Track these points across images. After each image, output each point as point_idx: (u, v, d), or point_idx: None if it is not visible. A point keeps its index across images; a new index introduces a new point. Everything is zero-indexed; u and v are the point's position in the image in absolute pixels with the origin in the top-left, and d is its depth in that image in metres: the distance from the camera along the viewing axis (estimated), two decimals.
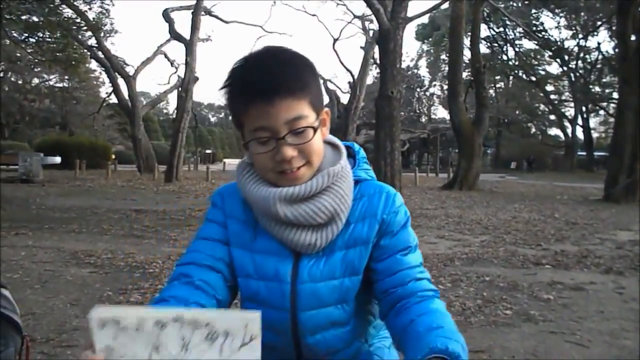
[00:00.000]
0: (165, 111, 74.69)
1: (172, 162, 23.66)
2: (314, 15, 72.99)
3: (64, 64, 24.28)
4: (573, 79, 50.62)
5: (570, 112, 54.64)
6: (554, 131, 62.71)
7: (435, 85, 62.51)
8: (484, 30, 43.82)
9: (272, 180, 1.27)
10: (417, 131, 46.10)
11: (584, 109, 51.93)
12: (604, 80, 50.40)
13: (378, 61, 15.32)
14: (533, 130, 63.48)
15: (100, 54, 28.26)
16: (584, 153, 53.22)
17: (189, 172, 33.72)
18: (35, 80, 42.09)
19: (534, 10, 47.50)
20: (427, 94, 63.46)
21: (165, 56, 31.60)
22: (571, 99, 52.97)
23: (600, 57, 48.42)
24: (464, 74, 27.15)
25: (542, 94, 52.93)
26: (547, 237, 9.52)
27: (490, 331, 4.32)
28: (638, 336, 4.22)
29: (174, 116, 27.85)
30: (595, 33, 47.61)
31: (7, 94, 37.11)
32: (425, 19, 53.20)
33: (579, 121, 53.11)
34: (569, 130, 54.29)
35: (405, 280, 1.29)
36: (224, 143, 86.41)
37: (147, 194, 16.83)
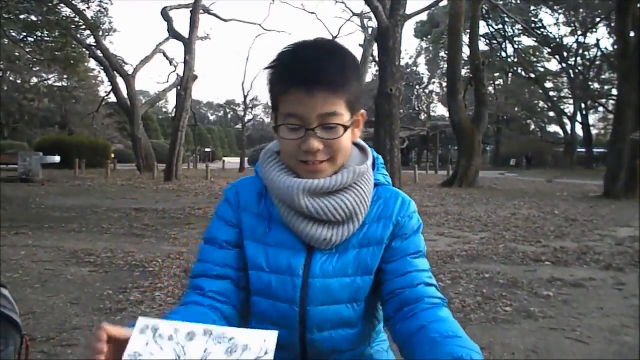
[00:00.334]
0: (164, 110, 74.72)
1: (172, 161, 23.64)
2: (312, 13, 72.83)
3: (63, 63, 24.31)
4: (572, 76, 50.56)
5: (569, 109, 54.63)
6: (553, 128, 62.68)
7: (434, 82, 62.53)
8: (483, 28, 43.81)
9: (293, 167, 1.29)
10: (417, 129, 46.12)
11: (583, 105, 51.91)
12: (603, 77, 50.34)
13: (377, 59, 15.31)
14: (532, 127, 63.48)
15: (99, 53, 28.24)
16: (584, 150, 53.20)
17: (188, 170, 33.72)
18: (35, 80, 42.06)
19: (533, 7, 47.44)
20: (427, 91, 63.47)
21: (164, 55, 31.61)
22: (570, 96, 52.93)
23: (599, 54, 48.39)
24: (463, 72, 27.18)
25: (541, 91, 52.89)
26: (547, 234, 9.53)
27: (490, 328, 4.33)
28: (638, 332, 4.22)
29: (174, 115, 27.81)
30: (595, 30, 47.60)
31: (6, 93, 37.09)
32: (424, 17, 53.23)
33: (579, 118, 53.09)
34: (569, 127, 54.24)
35: (414, 283, 1.29)
36: (223, 142, 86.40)
37: (147, 193, 16.83)
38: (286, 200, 1.27)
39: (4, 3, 18.44)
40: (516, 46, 51.58)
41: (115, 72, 29.03)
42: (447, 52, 29.03)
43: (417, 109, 62.46)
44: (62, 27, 21.44)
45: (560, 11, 47.52)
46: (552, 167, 49.10)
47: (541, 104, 57.46)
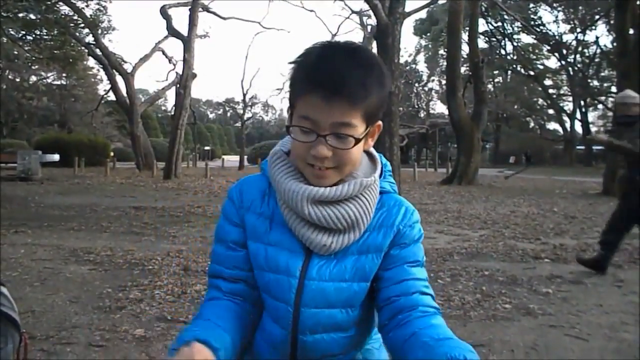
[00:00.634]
0: (163, 108, 74.59)
1: (171, 159, 23.63)
2: (311, 11, 72.94)
3: (61, 61, 24.31)
4: (571, 73, 50.53)
5: (568, 106, 54.59)
6: (552, 125, 62.62)
7: (433, 80, 62.43)
8: (482, 25, 43.81)
9: (300, 168, 1.29)
10: (416, 126, 46.05)
11: (582, 103, 51.89)
12: (602, 74, 50.32)
13: None
14: (532, 124, 63.44)
15: (98, 51, 28.17)
16: (583, 147, 53.20)
17: (187, 168, 33.73)
18: (33, 78, 42.01)
19: (532, 5, 47.42)
20: (426, 89, 63.37)
21: (163, 53, 31.54)
22: (570, 94, 52.90)
23: (598, 51, 48.36)
24: (463, 69, 27.15)
25: (540, 89, 52.84)
26: (546, 231, 9.54)
27: (489, 325, 4.33)
28: (637, 329, 4.23)
29: (173, 113, 27.80)
30: (594, 27, 47.53)
31: (5, 92, 37.05)
32: (423, 14, 53.10)
33: (578, 115, 53.09)
34: (568, 125, 54.25)
35: (410, 291, 1.29)
36: (222, 140, 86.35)
37: (146, 191, 16.83)
38: (290, 204, 1.27)
39: (3, 1, 18.43)
40: (515, 44, 51.58)
41: (114, 71, 28.98)
42: (446, 50, 29.01)
43: (416, 106, 62.40)
44: (61, 26, 21.43)
45: (559, 8, 47.52)
46: (552, 165, 49.11)
47: (540, 101, 57.41)
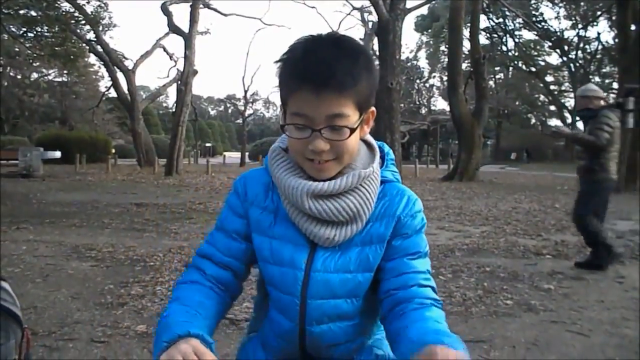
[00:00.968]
0: (164, 105, 74.62)
1: (172, 156, 23.65)
2: (312, 7, 72.84)
3: (62, 58, 24.22)
4: (573, 69, 50.54)
5: (570, 102, 54.58)
6: (553, 122, 62.63)
7: (434, 76, 62.46)
8: (484, 21, 43.73)
9: (300, 163, 1.30)
10: (417, 123, 46.03)
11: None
12: (603, 70, 50.34)
13: (377, 53, 15.28)
14: (533, 121, 63.46)
15: (99, 48, 28.19)
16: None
17: (189, 165, 33.75)
18: (34, 75, 42.05)
19: (533, 1, 47.37)
20: (427, 85, 63.38)
21: (164, 50, 31.55)
22: (571, 90, 52.88)
23: (600, 47, 48.37)
24: (464, 65, 27.14)
25: (541, 85, 52.88)
26: (548, 227, 9.54)
27: (491, 321, 4.33)
28: (638, 325, 4.23)
29: (174, 110, 27.82)
30: (595, 23, 47.56)
31: (6, 89, 37.09)
32: (424, 10, 53.14)
33: None
34: (569, 121, 54.22)
35: (408, 284, 1.30)
36: (223, 136, 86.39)
37: (148, 188, 16.83)
38: (291, 200, 1.29)
39: None
40: (517, 40, 51.56)
41: (115, 67, 28.99)
42: (447, 46, 28.98)
43: (418, 102, 62.38)
44: (62, 22, 21.37)
45: (560, 4, 47.45)
46: (553, 161, 49.09)
47: (542, 97, 57.45)
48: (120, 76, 29.47)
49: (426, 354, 1.05)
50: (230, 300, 1.38)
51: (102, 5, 26.66)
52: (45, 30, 23.00)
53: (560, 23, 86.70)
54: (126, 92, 29.53)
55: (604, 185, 6.23)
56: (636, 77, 16.83)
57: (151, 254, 6.59)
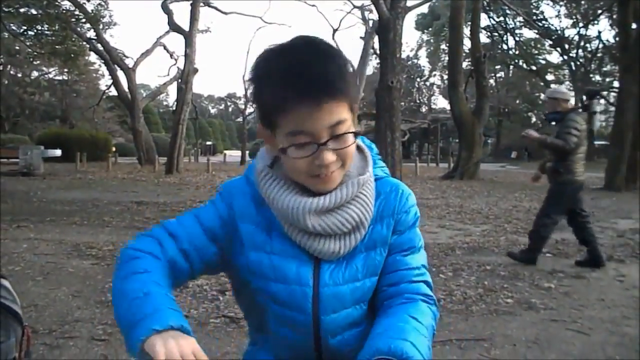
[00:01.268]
0: (165, 103, 74.62)
1: (173, 154, 23.63)
2: (313, 5, 72.74)
3: (63, 56, 24.26)
4: (573, 68, 50.45)
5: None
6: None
7: (435, 75, 62.37)
8: (484, 20, 43.67)
9: (304, 183, 1.22)
10: (418, 121, 45.98)
11: (584, 97, 51.85)
12: (604, 69, 50.24)
13: (378, 51, 15.27)
14: (533, 119, 63.37)
15: (99, 46, 28.17)
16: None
17: (189, 164, 33.71)
18: (35, 73, 42.05)
19: None
20: (427, 84, 63.31)
21: (165, 48, 31.55)
22: (572, 88, 52.82)
23: (600, 45, 48.30)
24: (464, 64, 27.11)
25: (542, 83, 52.74)
26: None
27: (491, 319, 4.34)
28: (639, 323, 4.23)
29: (174, 108, 27.83)
30: (596, 22, 47.49)
31: (6, 87, 37.07)
32: (425, 9, 53.07)
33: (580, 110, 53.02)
34: None
35: (399, 281, 1.29)
36: (224, 135, 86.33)
37: (148, 186, 16.83)
38: (291, 220, 1.22)
39: None
40: (517, 38, 51.47)
41: (115, 66, 28.98)
42: (448, 45, 28.96)
43: (418, 101, 62.35)
44: (62, 21, 21.39)
45: (561, 3, 47.37)
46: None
47: (542, 96, 57.28)
48: (120, 74, 29.47)
49: None
50: (171, 290, 1.23)
51: (103, 3, 26.73)
52: (46, 29, 23.02)
53: (561, 21, 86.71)
54: (126, 90, 29.53)
55: (570, 187, 6.35)
56: (637, 75, 16.85)
57: None
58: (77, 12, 23.48)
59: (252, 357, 1.40)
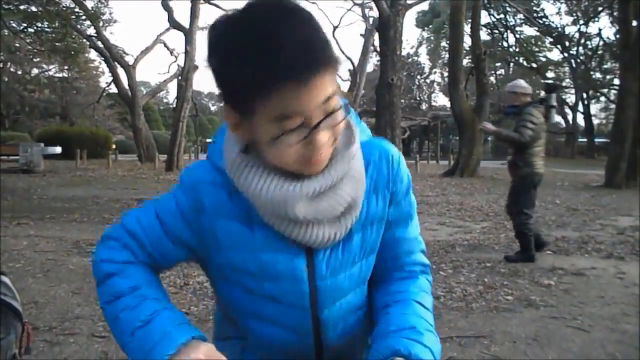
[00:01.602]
0: (165, 100, 74.52)
1: (173, 151, 23.63)
2: (313, 2, 72.63)
3: (63, 54, 24.21)
4: (574, 65, 50.44)
5: (571, 98, 54.50)
6: (555, 119, 62.61)
7: (435, 72, 62.31)
8: (485, 17, 43.58)
9: (292, 169, 1.03)
10: (418, 118, 46.01)
11: (584, 95, 51.81)
12: (605, 66, 50.17)
13: (378, 48, 15.26)
14: None
15: (99, 43, 28.16)
16: (585, 140, 53.16)
17: (189, 161, 33.68)
18: (35, 71, 41.96)
19: None
20: (428, 81, 63.27)
21: (165, 45, 31.53)
22: (572, 86, 52.81)
23: (601, 43, 48.24)
24: (465, 61, 27.04)
25: (543, 81, 52.73)
26: (548, 223, 9.53)
27: (491, 317, 4.34)
28: (639, 321, 4.23)
29: (174, 105, 27.80)
30: (597, 19, 47.47)
31: (6, 84, 37.02)
32: (425, 6, 52.94)
33: (580, 108, 53.04)
34: (570, 117, 54.24)
35: (399, 255, 1.23)
36: None
37: (148, 183, 16.83)
38: (278, 213, 1.06)
39: None
40: (518, 36, 51.36)
41: (115, 63, 28.96)
42: (448, 42, 28.93)
43: (418, 98, 62.31)
44: (62, 18, 21.34)
45: (561, 0, 47.36)
46: (553, 157, 49.06)
47: (542, 93, 57.34)
48: (120, 72, 29.46)
49: None
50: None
51: (103, 0, 26.69)
52: (46, 26, 22.97)
53: (561, 19, 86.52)
54: (127, 87, 29.51)
55: (529, 179, 6.40)
56: (638, 72, 16.82)
57: None
58: (77, 10, 23.46)
59: (237, 357, 1.24)
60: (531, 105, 6.48)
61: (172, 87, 37.46)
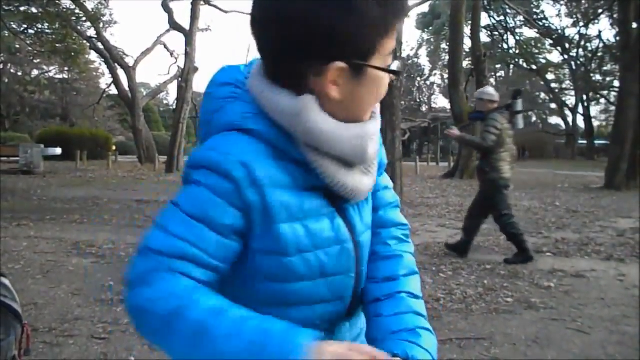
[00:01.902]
0: (165, 102, 74.47)
1: (173, 153, 23.64)
2: None
3: (63, 55, 24.27)
4: (574, 67, 50.46)
5: (571, 100, 54.55)
6: (554, 120, 62.61)
7: (435, 74, 62.35)
8: (485, 19, 43.67)
9: (365, 114, 1.07)
10: (418, 120, 45.97)
11: (584, 97, 51.82)
12: (605, 68, 50.19)
13: None
14: (534, 119, 63.40)
15: (99, 44, 28.19)
16: (585, 141, 53.18)
17: None
18: (35, 72, 42.03)
19: None
20: (428, 83, 63.27)
21: (165, 47, 31.51)
22: (572, 88, 52.85)
23: (601, 45, 48.30)
24: (465, 63, 27.07)
25: (542, 83, 52.76)
26: (548, 225, 9.53)
27: (491, 319, 4.33)
28: (639, 322, 4.23)
29: (175, 107, 27.82)
30: (597, 21, 47.53)
31: (7, 85, 37.04)
32: (425, 8, 53.04)
33: (580, 110, 53.05)
34: (570, 119, 54.26)
35: (378, 223, 1.22)
36: None
37: (148, 185, 16.83)
38: (354, 153, 1.03)
39: None
40: (518, 37, 51.47)
41: (116, 64, 28.99)
42: (448, 44, 28.96)
43: (418, 100, 62.32)
44: (63, 19, 21.39)
45: (562, 2, 47.38)
46: (554, 158, 49.07)
47: (543, 95, 57.41)
48: (121, 73, 29.49)
49: None
50: None
51: (103, 2, 26.77)
52: (46, 27, 23.04)
53: (561, 21, 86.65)
54: (127, 89, 29.53)
55: (496, 184, 6.50)
56: (638, 73, 16.83)
57: None
58: (77, 11, 23.50)
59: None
60: (496, 111, 6.65)
61: (172, 88, 37.33)
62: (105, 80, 46.90)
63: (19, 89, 39.28)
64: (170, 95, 71.13)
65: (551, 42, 50.57)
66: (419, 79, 61.26)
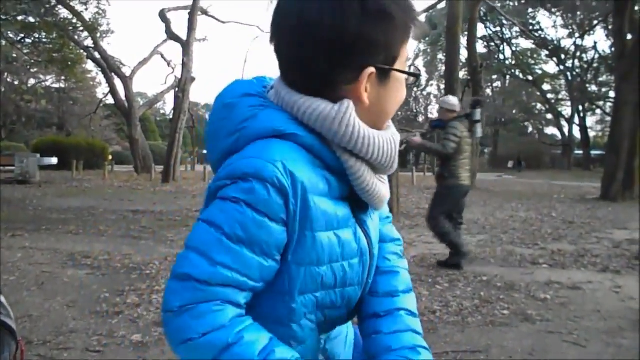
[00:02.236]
0: (162, 111, 74.58)
1: (170, 163, 23.63)
2: None
3: (60, 64, 24.27)
4: (570, 78, 50.73)
5: (567, 111, 54.85)
6: (551, 130, 62.88)
7: (432, 84, 62.56)
8: (481, 30, 43.98)
9: (383, 123, 1.07)
10: (414, 130, 46.09)
11: (580, 107, 52.07)
12: (600, 79, 50.50)
13: None
14: (530, 129, 63.64)
15: (96, 54, 28.24)
16: (581, 152, 53.36)
17: (186, 172, 33.67)
18: (32, 81, 42.10)
19: (530, 10, 47.63)
20: (424, 93, 63.49)
21: (162, 57, 31.60)
22: (568, 98, 53.11)
23: (596, 56, 48.59)
24: (461, 74, 27.18)
25: (539, 93, 53.04)
26: (544, 236, 9.53)
27: (487, 331, 4.32)
28: (635, 335, 4.23)
29: (171, 116, 27.81)
30: (592, 32, 47.74)
31: (3, 94, 37.08)
32: (422, 18, 53.13)
33: (576, 120, 53.31)
34: (566, 129, 54.44)
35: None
36: None
37: (145, 195, 16.81)
38: (384, 159, 1.05)
39: (2, 4, 18.44)
40: (514, 48, 51.79)
41: (112, 74, 29.02)
42: (444, 54, 29.03)
43: (415, 110, 62.49)
44: (60, 29, 21.43)
45: (557, 13, 47.70)
46: (550, 169, 49.17)
47: (539, 106, 57.66)
48: (117, 83, 29.53)
49: None
50: None
51: (100, 12, 26.78)
52: (43, 37, 23.07)
53: (557, 32, 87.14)
54: (124, 98, 29.54)
55: (454, 190, 6.80)
56: (633, 84, 16.90)
57: (147, 262, 6.57)
58: (74, 20, 23.55)
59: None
60: (456, 119, 6.83)
61: (169, 98, 37.60)
62: (102, 90, 46.73)
63: (16, 98, 39.30)
64: (167, 105, 71.63)
65: (547, 53, 50.88)
66: (415, 89, 61.43)
